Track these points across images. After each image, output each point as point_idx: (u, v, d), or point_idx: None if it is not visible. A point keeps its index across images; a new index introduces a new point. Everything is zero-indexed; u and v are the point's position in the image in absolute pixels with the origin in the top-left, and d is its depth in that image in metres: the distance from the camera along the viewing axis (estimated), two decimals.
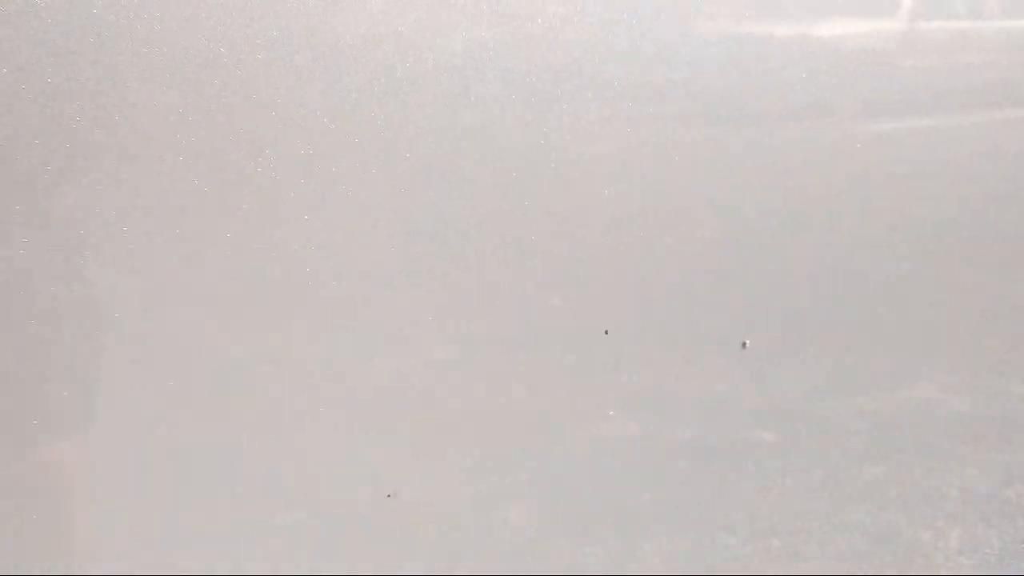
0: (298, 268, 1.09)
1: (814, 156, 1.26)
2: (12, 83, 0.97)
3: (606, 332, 1.23)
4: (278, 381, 1.12)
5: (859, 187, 1.32)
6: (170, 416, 1.08)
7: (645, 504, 1.34)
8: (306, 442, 1.13)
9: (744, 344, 1.30)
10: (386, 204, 1.10)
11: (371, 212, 1.10)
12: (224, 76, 1.01)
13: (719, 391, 1.34)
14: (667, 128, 1.17)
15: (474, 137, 1.11)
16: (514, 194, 1.16)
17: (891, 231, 1.37)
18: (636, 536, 1.35)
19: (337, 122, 1.06)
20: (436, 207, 1.12)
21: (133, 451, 1.08)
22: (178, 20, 0.99)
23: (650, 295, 1.26)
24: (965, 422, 1.50)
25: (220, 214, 1.07)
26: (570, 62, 1.10)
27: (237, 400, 1.11)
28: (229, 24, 1.01)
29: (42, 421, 1.06)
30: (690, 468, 1.35)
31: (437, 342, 1.18)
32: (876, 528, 1.49)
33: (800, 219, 1.31)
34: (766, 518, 1.41)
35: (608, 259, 1.22)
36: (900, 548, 1.51)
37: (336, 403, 1.14)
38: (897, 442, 1.48)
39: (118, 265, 1.05)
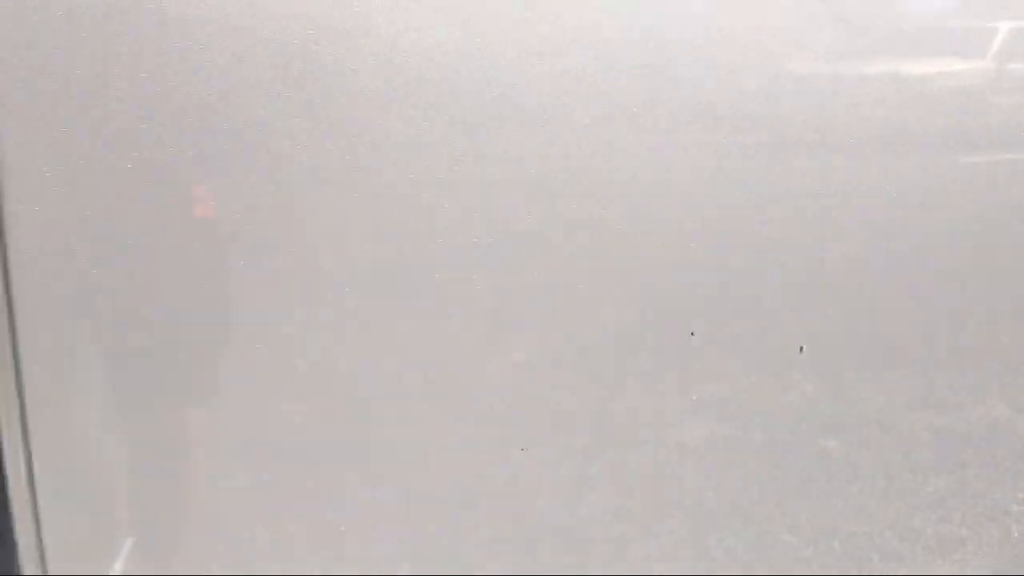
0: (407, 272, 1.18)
1: (900, 187, 1.30)
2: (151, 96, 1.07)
3: (692, 334, 1.30)
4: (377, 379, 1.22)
5: (944, 217, 1.36)
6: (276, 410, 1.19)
7: (712, 501, 1.42)
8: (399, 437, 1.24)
9: (801, 348, 1.36)
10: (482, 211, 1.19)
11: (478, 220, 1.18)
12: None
13: (791, 400, 1.40)
14: (758, 157, 1.22)
15: (577, 155, 1.18)
16: (609, 209, 1.23)
17: (973, 258, 1.41)
18: (702, 531, 1.43)
19: (456, 127, 1.14)
20: (535, 219, 1.19)
21: (255, 444, 1.20)
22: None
23: (734, 307, 1.33)
24: None
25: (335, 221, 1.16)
26: (668, 96, 1.17)
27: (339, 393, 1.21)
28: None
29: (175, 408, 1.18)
30: (758, 470, 1.42)
31: (520, 344, 1.26)
32: (936, 537, 1.55)
33: (883, 244, 1.35)
34: (829, 521, 1.48)
35: (696, 274, 1.29)
36: (958, 555, 1.57)
37: (431, 400, 1.24)
38: (963, 457, 1.52)
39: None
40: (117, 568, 1.30)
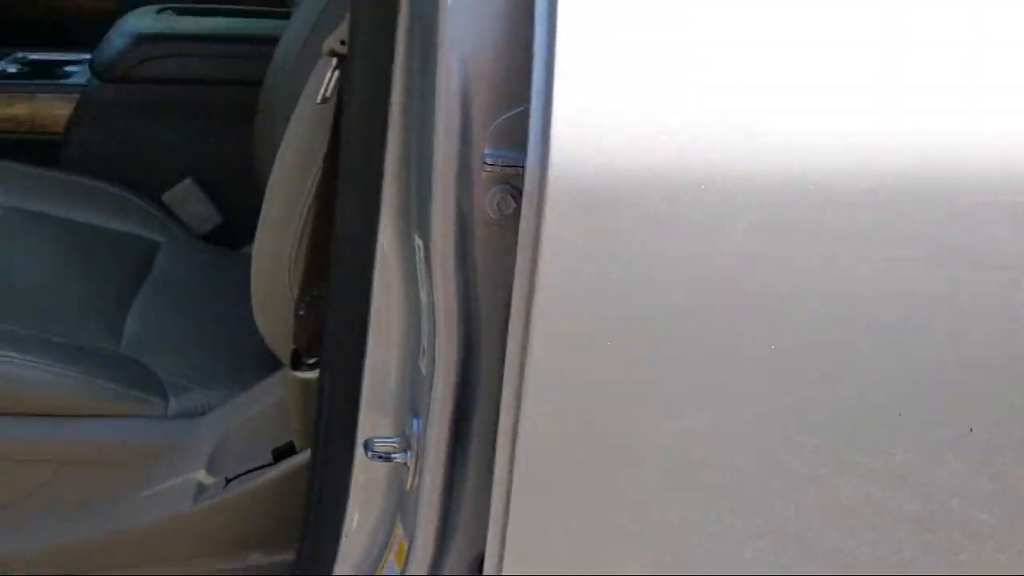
0: None
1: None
2: None
3: (971, 430, 1.47)
4: None
5: None
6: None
7: (863, 556, 1.59)
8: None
9: (971, 429, 1.51)
10: None
11: None
12: None
13: (946, 474, 1.56)
14: (907, 269, 1.40)
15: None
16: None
17: None
18: None
19: None
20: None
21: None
22: None
23: (899, 388, 1.50)
24: None
25: None
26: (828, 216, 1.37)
27: None
28: None
29: None
30: (909, 534, 1.59)
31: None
32: None
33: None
34: None
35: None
36: None
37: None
38: None
39: None
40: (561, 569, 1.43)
